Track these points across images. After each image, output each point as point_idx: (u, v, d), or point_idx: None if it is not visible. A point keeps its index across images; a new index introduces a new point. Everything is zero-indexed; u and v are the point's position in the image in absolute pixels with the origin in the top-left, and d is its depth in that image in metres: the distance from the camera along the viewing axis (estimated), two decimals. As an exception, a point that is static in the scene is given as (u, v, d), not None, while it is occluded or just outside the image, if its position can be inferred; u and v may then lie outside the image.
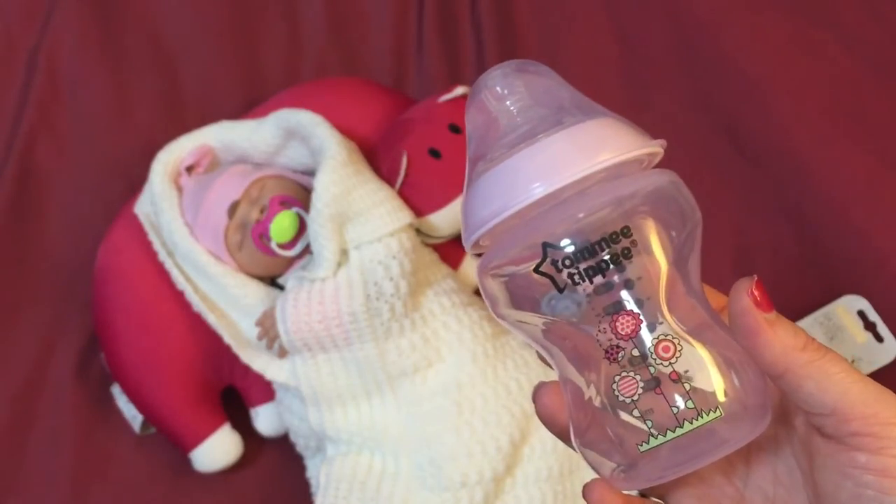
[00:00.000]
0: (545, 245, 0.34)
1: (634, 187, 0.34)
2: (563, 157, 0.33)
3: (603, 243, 0.33)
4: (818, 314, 0.69)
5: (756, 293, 0.33)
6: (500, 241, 0.35)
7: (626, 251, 0.33)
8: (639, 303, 0.34)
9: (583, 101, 0.36)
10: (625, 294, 0.34)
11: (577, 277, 0.33)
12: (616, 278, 0.34)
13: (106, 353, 0.71)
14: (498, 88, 0.36)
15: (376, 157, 0.70)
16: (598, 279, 0.33)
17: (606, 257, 0.33)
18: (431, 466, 0.64)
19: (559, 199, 0.33)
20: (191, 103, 0.84)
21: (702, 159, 0.77)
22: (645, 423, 0.34)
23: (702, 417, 0.33)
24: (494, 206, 0.34)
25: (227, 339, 0.67)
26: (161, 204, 0.69)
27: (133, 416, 0.72)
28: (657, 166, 0.37)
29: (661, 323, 0.34)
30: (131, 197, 0.73)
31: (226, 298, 0.68)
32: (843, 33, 0.80)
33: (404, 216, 0.66)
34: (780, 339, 0.32)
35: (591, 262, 0.33)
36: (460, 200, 0.70)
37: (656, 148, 0.35)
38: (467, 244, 0.35)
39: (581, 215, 0.33)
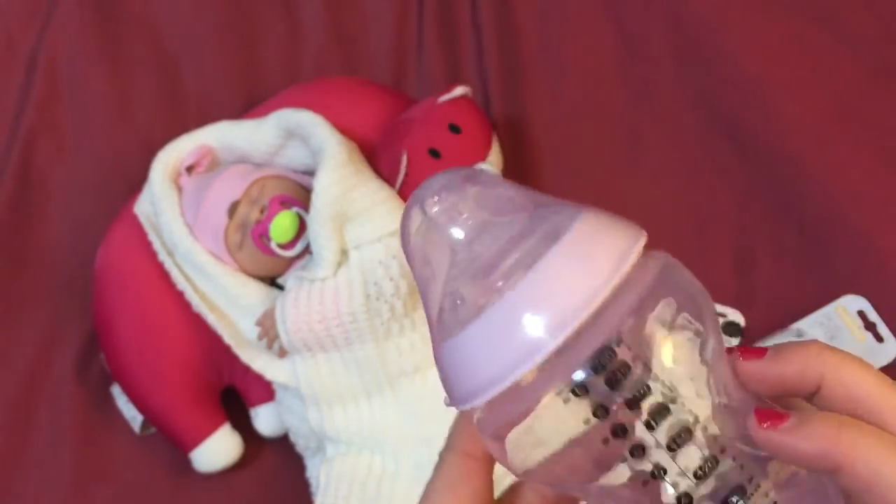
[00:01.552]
0: (578, 387, 0.28)
1: (648, 291, 0.28)
2: (571, 283, 0.27)
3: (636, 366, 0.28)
4: (818, 314, 0.69)
5: (764, 421, 0.29)
6: (507, 402, 0.29)
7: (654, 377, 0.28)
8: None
9: (541, 199, 0.30)
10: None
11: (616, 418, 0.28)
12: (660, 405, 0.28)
13: (106, 353, 0.71)
14: (446, 208, 0.30)
15: (376, 157, 0.70)
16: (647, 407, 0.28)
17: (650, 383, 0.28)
18: (431, 466, 0.63)
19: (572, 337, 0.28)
20: (191, 103, 0.84)
21: (702, 159, 0.77)
22: None
23: None
24: (506, 361, 0.27)
25: (227, 339, 0.67)
26: (161, 204, 0.69)
27: (133, 416, 0.72)
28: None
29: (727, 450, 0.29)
30: (131, 197, 0.73)
31: (226, 298, 0.68)
32: (843, 33, 0.80)
33: (404, 216, 0.66)
34: (811, 437, 0.28)
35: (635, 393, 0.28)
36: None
37: (644, 236, 0.29)
38: (465, 406, 0.29)
39: (604, 341, 0.28)
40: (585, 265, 0.28)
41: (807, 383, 0.30)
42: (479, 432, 0.30)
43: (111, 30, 0.87)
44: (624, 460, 0.29)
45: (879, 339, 0.68)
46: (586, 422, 0.28)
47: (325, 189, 0.64)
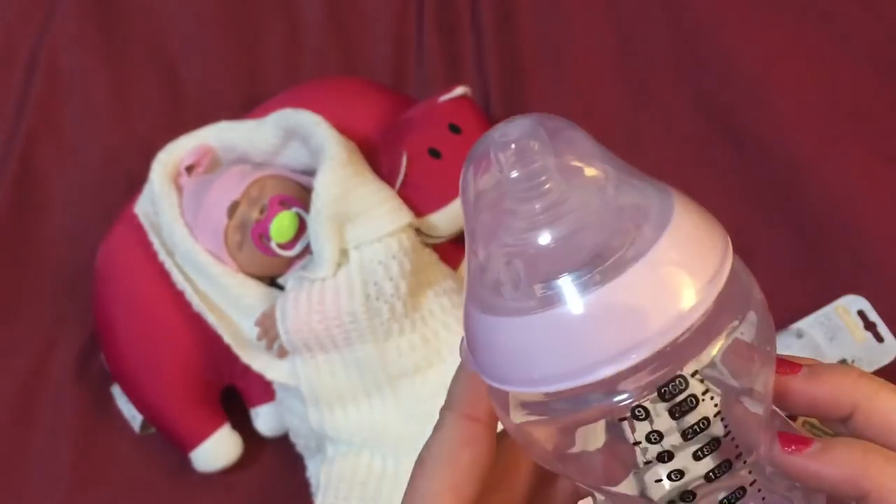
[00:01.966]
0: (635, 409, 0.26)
1: (722, 317, 0.26)
2: (650, 308, 0.25)
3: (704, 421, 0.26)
4: (818, 314, 0.69)
5: (788, 445, 0.28)
6: (553, 400, 0.27)
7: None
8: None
9: (627, 174, 0.28)
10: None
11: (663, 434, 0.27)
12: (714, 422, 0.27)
13: (106, 353, 0.71)
14: (519, 164, 0.26)
15: (376, 157, 0.70)
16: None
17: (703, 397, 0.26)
18: (431, 466, 0.64)
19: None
20: (191, 103, 0.84)
21: (702, 159, 0.77)
22: None
23: None
24: (565, 366, 0.25)
25: (227, 339, 0.67)
26: (161, 204, 0.69)
27: (133, 416, 0.72)
28: None
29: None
30: (131, 197, 0.73)
31: (226, 298, 0.68)
32: (843, 33, 0.80)
33: (404, 216, 0.66)
34: (837, 462, 0.28)
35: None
36: (460, 201, 0.70)
37: (730, 251, 0.28)
38: (512, 388, 0.27)
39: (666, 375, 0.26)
40: (670, 291, 0.25)
41: (839, 408, 0.29)
42: (490, 397, 0.29)
43: (111, 30, 0.87)
44: (658, 480, 0.27)
45: (879, 339, 0.68)
46: (636, 443, 0.27)
47: (325, 189, 0.64)
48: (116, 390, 0.72)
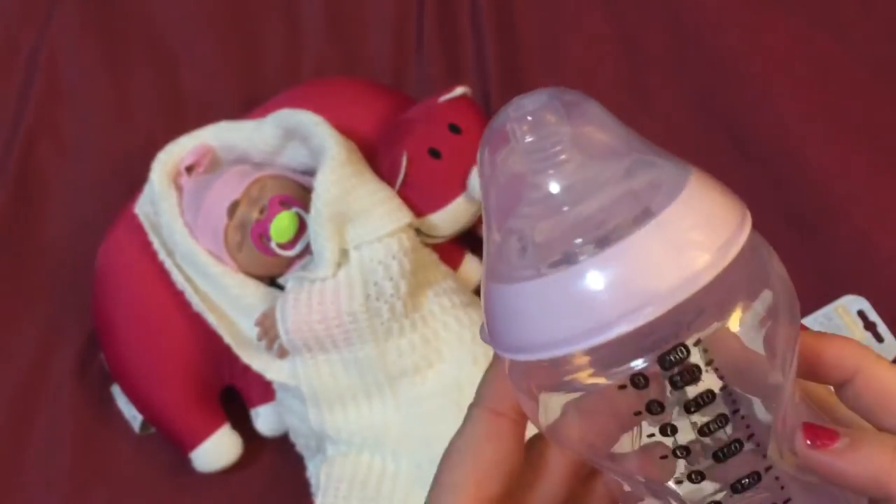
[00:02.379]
0: (635, 377, 0.26)
1: (736, 285, 0.26)
2: (660, 268, 0.25)
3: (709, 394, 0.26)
4: (818, 314, 0.69)
5: (813, 439, 0.27)
6: (559, 367, 0.27)
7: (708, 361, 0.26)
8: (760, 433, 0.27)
9: (643, 148, 0.28)
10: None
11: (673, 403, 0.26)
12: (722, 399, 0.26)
13: (106, 353, 0.71)
14: (535, 136, 0.27)
15: (376, 157, 0.70)
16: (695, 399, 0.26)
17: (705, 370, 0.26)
18: (431, 466, 0.63)
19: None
20: (191, 103, 0.84)
21: (702, 159, 0.76)
22: None
23: None
24: (573, 327, 0.25)
25: (227, 339, 0.67)
26: (161, 204, 0.69)
27: (133, 416, 0.72)
28: None
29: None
30: (131, 197, 0.73)
31: (226, 298, 0.68)
32: (843, 33, 0.80)
33: (404, 216, 0.66)
34: (864, 461, 0.27)
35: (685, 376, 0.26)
36: (460, 201, 0.70)
37: (748, 220, 0.28)
38: (509, 356, 0.28)
39: (680, 337, 0.26)
40: (683, 251, 0.25)
41: (842, 369, 0.29)
42: (510, 381, 0.29)
43: (111, 30, 0.87)
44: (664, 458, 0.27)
45: (879, 339, 0.68)
46: (636, 413, 0.26)
47: (325, 189, 0.64)
48: (116, 390, 0.72)
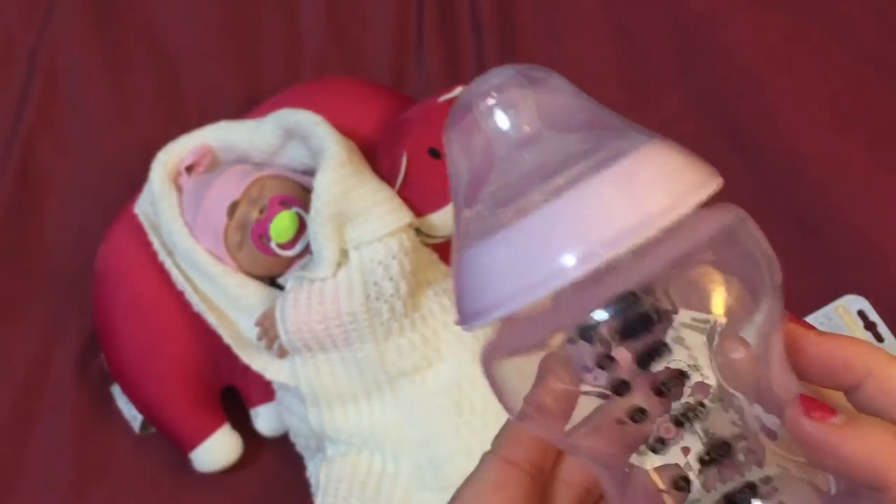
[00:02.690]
0: (585, 330, 0.25)
1: (698, 244, 0.25)
2: (609, 214, 0.24)
3: (660, 322, 0.25)
4: (818, 314, 0.69)
5: (811, 410, 0.25)
6: (519, 329, 0.26)
7: (703, 329, 0.25)
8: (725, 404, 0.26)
9: (612, 120, 0.28)
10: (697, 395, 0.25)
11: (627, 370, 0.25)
12: (688, 372, 0.25)
13: (106, 354, 0.71)
14: (500, 110, 0.27)
15: (376, 157, 0.70)
16: (659, 370, 0.25)
17: (671, 342, 0.25)
18: (431, 466, 0.64)
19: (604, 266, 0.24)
20: (191, 103, 0.84)
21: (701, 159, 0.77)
22: None
23: None
24: (520, 282, 0.24)
25: (227, 339, 0.67)
26: (161, 204, 0.69)
27: (133, 416, 0.72)
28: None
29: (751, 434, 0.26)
30: (131, 197, 0.73)
31: (226, 298, 0.68)
32: (843, 31, 0.80)
33: (404, 216, 0.66)
34: (862, 441, 0.25)
35: (648, 347, 0.25)
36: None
37: (719, 181, 0.27)
38: (470, 325, 0.26)
39: (634, 286, 0.24)
40: (637, 196, 0.24)
41: (852, 372, 0.27)
42: (483, 362, 0.27)
43: (111, 30, 0.87)
44: (621, 423, 0.25)
45: (879, 339, 0.68)
46: (588, 370, 0.25)
47: (325, 189, 0.64)
48: (116, 390, 0.72)
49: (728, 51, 0.80)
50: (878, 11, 0.80)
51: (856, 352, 0.27)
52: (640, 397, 0.25)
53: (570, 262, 0.23)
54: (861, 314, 0.69)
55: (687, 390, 0.25)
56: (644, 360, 0.25)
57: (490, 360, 0.27)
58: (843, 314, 0.69)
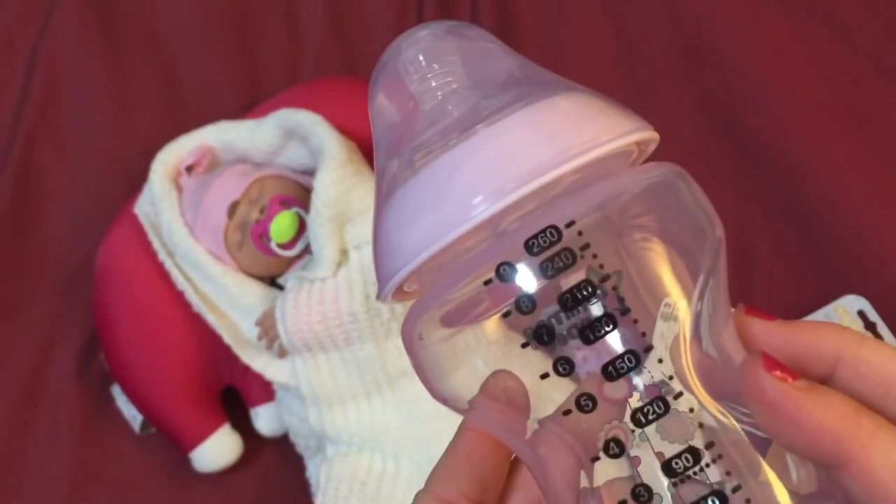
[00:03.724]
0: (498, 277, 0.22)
1: (625, 189, 0.23)
2: (521, 151, 0.22)
3: (587, 284, 0.22)
4: (818, 314, 0.69)
5: (773, 369, 0.23)
6: (436, 284, 0.24)
7: (616, 292, 0.22)
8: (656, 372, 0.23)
9: (539, 74, 0.26)
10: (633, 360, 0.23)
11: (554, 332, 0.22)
12: (612, 334, 0.23)
13: (106, 354, 0.71)
14: (422, 59, 0.25)
15: (376, 157, 0.70)
16: (586, 333, 0.22)
17: (595, 306, 0.22)
18: (431, 466, 0.63)
19: (518, 211, 0.23)
20: (191, 103, 0.84)
21: (702, 159, 0.77)
22: None
23: None
24: (423, 233, 0.22)
25: (227, 339, 0.67)
26: (161, 204, 0.69)
27: (133, 416, 0.72)
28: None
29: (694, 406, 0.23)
30: (131, 197, 0.73)
31: (226, 298, 0.68)
32: (843, 33, 0.80)
33: (404, 216, 0.66)
34: (826, 408, 0.22)
35: (575, 313, 0.22)
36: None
37: (650, 133, 0.25)
38: (384, 292, 0.24)
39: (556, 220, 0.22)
40: (554, 134, 0.22)
41: (821, 360, 0.25)
42: (410, 333, 0.25)
43: (111, 30, 0.87)
44: (544, 375, 0.23)
45: (879, 339, 0.68)
46: (505, 315, 0.23)
47: (325, 189, 0.64)
48: (116, 390, 0.72)
49: (728, 51, 0.80)
50: (879, 11, 0.80)
51: (824, 336, 0.25)
52: (571, 350, 0.23)
53: (481, 201, 0.21)
54: (861, 314, 0.69)
55: (642, 379, 0.23)
56: (566, 300, 0.22)
57: (411, 329, 0.24)
58: (843, 314, 0.69)
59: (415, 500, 0.29)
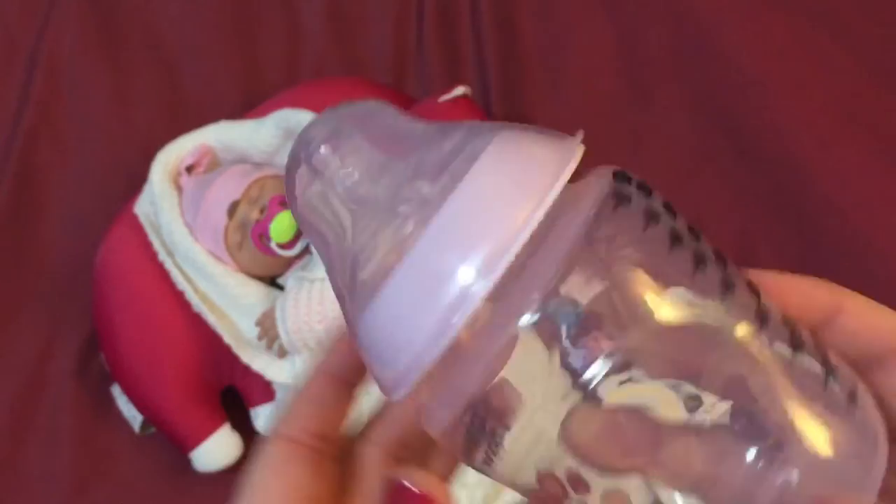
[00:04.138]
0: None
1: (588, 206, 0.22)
2: (494, 209, 0.21)
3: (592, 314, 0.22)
4: (818, 314, 0.69)
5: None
6: (451, 378, 0.22)
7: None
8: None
9: (444, 128, 0.25)
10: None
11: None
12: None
13: (106, 353, 0.71)
14: (334, 160, 0.25)
15: (376, 157, 0.70)
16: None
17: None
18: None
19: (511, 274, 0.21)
20: (191, 103, 0.84)
21: (702, 159, 0.77)
22: None
23: None
24: (431, 321, 0.21)
25: (227, 339, 0.67)
26: (161, 204, 0.69)
27: (133, 416, 0.72)
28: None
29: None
30: (131, 197, 0.73)
31: (226, 298, 0.68)
32: (843, 33, 0.80)
33: (404, 216, 0.66)
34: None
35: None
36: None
37: (579, 148, 0.23)
38: (396, 394, 0.23)
39: (553, 287, 0.21)
40: (508, 189, 0.21)
41: (811, 312, 0.25)
42: (426, 426, 0.24)
43: (111, 30, 0.87)
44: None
45: (879, 339, 0.68)
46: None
47: (325, 189, 0.64)
48: (116, 390, 0.72)
49: (729, 52, 0.80)
50: (879, 13, 0.80)
51: (812, 286, 0.25)
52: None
53: (473, 279, 0.21)
54: (861, 314, 0.69)
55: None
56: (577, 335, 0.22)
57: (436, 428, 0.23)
58: (843, 314, 0.69)
59: (260, 443, 0.28)
